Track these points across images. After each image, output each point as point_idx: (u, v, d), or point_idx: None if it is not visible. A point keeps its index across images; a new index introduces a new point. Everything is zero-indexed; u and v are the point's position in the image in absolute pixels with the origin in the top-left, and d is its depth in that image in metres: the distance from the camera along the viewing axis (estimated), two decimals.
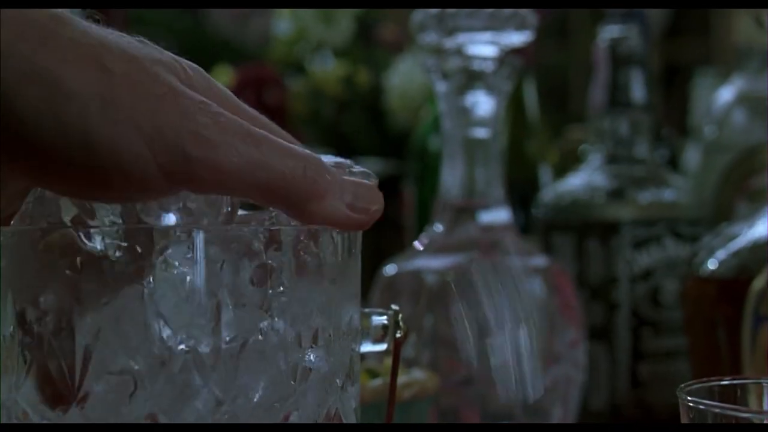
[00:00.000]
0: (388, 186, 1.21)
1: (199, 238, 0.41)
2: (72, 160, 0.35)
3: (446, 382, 0.70)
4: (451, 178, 0.75)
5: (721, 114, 0.95)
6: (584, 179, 0.85)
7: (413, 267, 0.74)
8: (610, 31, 0.87)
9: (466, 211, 0.75)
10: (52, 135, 0.35)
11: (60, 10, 0.36)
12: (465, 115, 0.75)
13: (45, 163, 0.35)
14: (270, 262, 0.42)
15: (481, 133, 0.75)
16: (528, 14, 0.73)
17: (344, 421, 0.44)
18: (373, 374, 0.63)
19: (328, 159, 0.43)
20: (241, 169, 0.37)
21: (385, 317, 0.47)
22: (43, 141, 0.35)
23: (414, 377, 0.63)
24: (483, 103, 0.74)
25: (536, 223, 0.88)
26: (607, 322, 0.81)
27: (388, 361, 0.58)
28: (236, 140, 0.37)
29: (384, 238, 1.27)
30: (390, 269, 0.76)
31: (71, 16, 0.36)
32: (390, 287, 0.75)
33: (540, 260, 0.75)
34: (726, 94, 0.96)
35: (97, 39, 0.36)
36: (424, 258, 0.75)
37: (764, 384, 0.45)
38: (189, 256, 0.40)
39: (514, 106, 1.00)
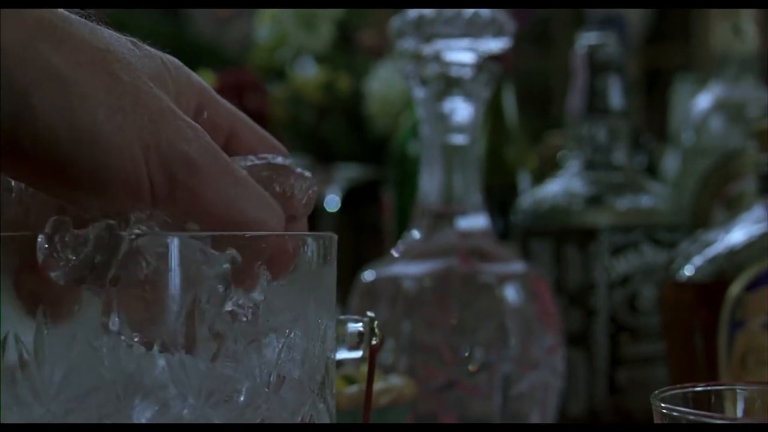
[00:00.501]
0: (368, 191, 1.21)
1: (174, 245, 0.41)
2: (77, 158, 0.36)
3: (424, 388, 0.70)
4: (429, 184, 0.75)
5: (699, 120, 0.96)
6: (562, 185, 0.85)
7: (391, 273, 0.74)
8: (588, 38, 0.87)
9: (444, 217, 0.75)
10: (62, 132, 0.36)
11: (66, 10, 0.37)
12: (443, 122, 0.75)
13: (49, 160, 0.37)
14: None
15: (459, 139, 0.75)
16: (506, 21, 0.74)
17: None
18: (350, 381, 0.63)
19: (274, 159, 0.44)
20: (218, 204, 0.39)
21: (360, 324, 0.47)
22: (52, 137, 0.36)
23: (391, 383, 0.63)
24: (461, 110, 0.75)
25: (515, 229, 0.88)
26: (586, 328, 0.82)
27: (365, 368, 0.58)
28: (220, 175, 0.39)
29: (364, 243, 1.28)
30: (368, 275, 0.76)
31: (78, 18, 0.38)
32: (368, 293, 0.75)
33: (518, 266, 0.75)
34: (703, 100, 0.96)
35: (104, 44, 0.37)
36: (403, 264, 0.75)
37: (738, 390, 0.45)
38: (163, 263, 0.40)
39: (493, 112, 1.00)
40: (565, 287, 0.82)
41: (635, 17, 2.73)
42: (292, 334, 0.43)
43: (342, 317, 0.47)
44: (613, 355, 0.81)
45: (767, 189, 0.70)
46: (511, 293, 0.72)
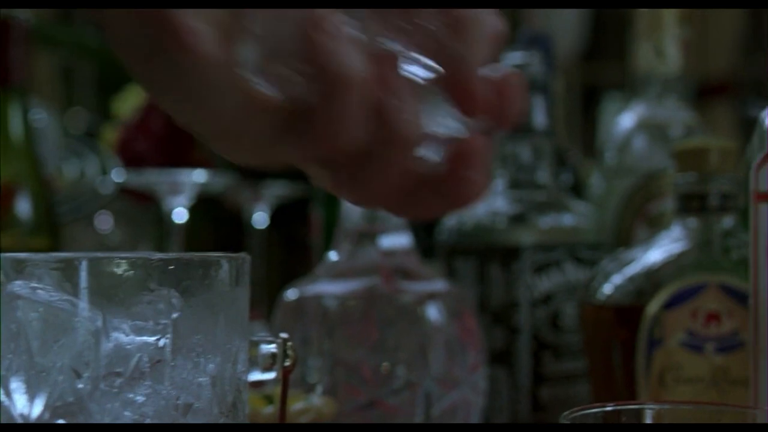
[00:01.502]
0: (297, 209, 1.21)
1: (83, 267, 0.41)
2: None
3: (346, 407, 0.70)
4: (351, 204, 0.75)
5: (622, 139, 0.97)
6: (487, 204, 0.86)
7: (314, 292, 0.74)
8: (512, 58, 0.88)
9: (367, 236, 0.75)
10: None
11: None
12: None
13: None
14: (157, 290, 0.41)
15: None
16: None
17: None
18: (269, 400, 0.63)
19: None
20: None
21: (273, 345, 0.47)
22: None
23: (311, 403, 0.63)
24: None
25: (439, 248, 0.88)
26: (509, 346, 0.82)
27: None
28: None
29: (293, 261, 1.27)
30: (291, 294, 0.75)
31: None
32: (291, 312, 0.74)
33: (440, 285, 0.75)
34: (627, 119, 0.97)
35: None
36: (325, 283, 0.75)
37: (647, 409, 0.45)
38: (73, 284, 0.40)
39: None
40: (488, 305, 0.83)
41: (573, 34, 2.76)
42: (202, 356, 0.43)
43: (255, 338, 0.47)
44: (536, 373, 0.82)
45: (685, 209, 0.71)
46: (433, 312, 0.72)
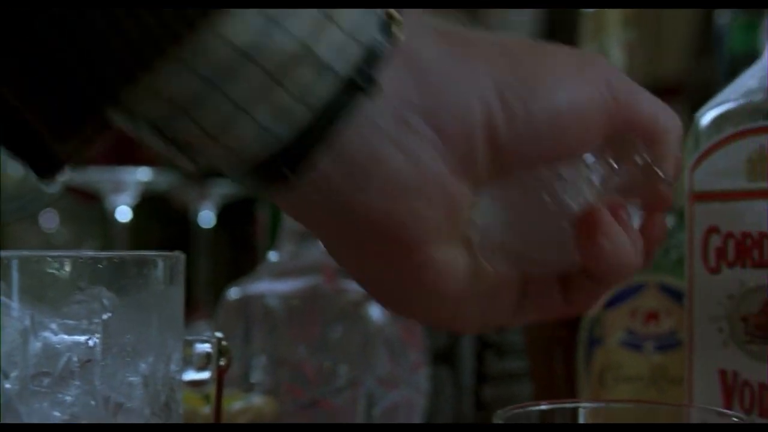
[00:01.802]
0: (244, 208, 1.21)
1: (14, 266, 0.40)
2: None
3: (288, 406, 0.70)
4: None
5: None
6: None
7: (256, 291, 0.74)
8: None
9: (309, 235, 0.75)
10: None
11: None
12: None
13: None
14: (88, 289, 0.41)
15: None
16: None
17: None
18: (209, 400, 0.63)
19: None
20: None
21: (208, 345, 0.47)
22: None
23: (250, 402, 0.63)
24: None
25: None
26: (452, 346, 0.82)
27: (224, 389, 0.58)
28: None
29: (240, 261, 1.27)
30: (234, 293, 0.75)
31: None
32: (234, 311, 0.74)
33: None
34: None
35: None
36: (268, 282, 0.75)
37: (580, 408, 0.45)
38: (5, 283, 0.40)
39: None
40: None
41: (526, 35, 2.77)
42: (135, 355, 0.42)
43: (189, 338, 0.47)
44: (479, 372, 0.82)
45: None
46: (375, 311, 0.72)
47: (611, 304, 0.68)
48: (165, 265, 0.44)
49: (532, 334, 0.75)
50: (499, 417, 0.43)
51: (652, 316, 0.68)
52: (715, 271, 0.54)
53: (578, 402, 0.47)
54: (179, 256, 0.46)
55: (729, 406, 0.53)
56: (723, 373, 0.53)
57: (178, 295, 0.46)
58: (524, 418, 0.44)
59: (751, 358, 0.52)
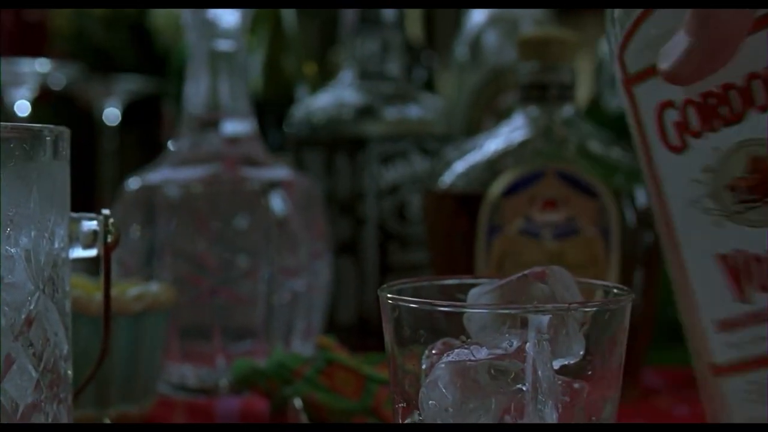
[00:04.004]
0: (149, 105, 1.19)
1: None
2: None
3: (188, 295, 0.70)
4: (194, 91, 0.74)
5: (473, 35, 0.97)
6: (334, 96, 0.85)
7: (156, 180, 0.73)
8: None
9: (210, 123, 0.74)
10: None
11: None
12: (209, 27, 0.73)
13: None
14: None
15: (225, 45, 0.74)
16: None
17: (49, 329, 0.43)
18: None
19: None
20: None
21: (95, 222, 0.46)
22: None
23: (147, 289, 0.62)
24: (227, 15, 0.73)
25: (289, 141, 0.88)
26: (355, 237, 0.82)
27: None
28: None
29: (147, 160, 1.25)
30: (133, 183, 0.74)
31: None
32: (133, 201, 0.73)
33: (283, 172, 0.75)
34: (477, 15, 0.97)
35: None
36: (168, 171, 0.74)
37: (463, 281, 0.46)
38: None
39: (272, 22, 0.99)
40: (335, 197, 0.83)
41: None
42: (15, 228, 0.42)
43: (75, 215, 0.46)
44: (383, 263, 0.83)
45: (527, 98, 0.72)
46: (276, 200, 0.72)
47: (510, 191, 0.69)
48: (48, 139, 0.44)
49: (432, 224, 0.75)
50: (384, 290, 0.44)
51: (550, 203, 0.69)
52: (679, 148, 0.48)
53: (461, 278, 0.47)
54: (64, 130, 0.45)
55: (742, 293, 0.47)
56: (723, 258, 0.47)
57: (62, 170, 0.45)
58: (408, 293, 0.44)
59: (753, 226, 0.46)
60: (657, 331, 0.76)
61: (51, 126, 0.44)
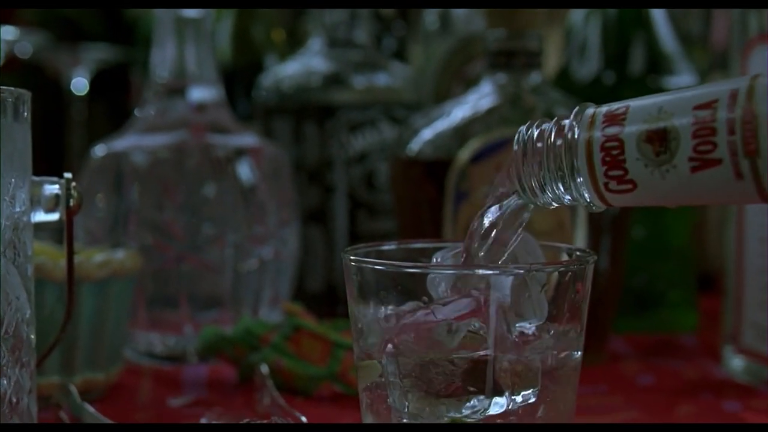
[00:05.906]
0: (117, 73, 1.18)
1: None
2: None
3: (155, 262, 0.70)
4: (161, 58, 0.74)
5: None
6: (303, 64, 0.85)
7: (122, 147, 0.73)
8: None
9: (176, 91, 0.74)
10: None
11: None
12: None
13: None
14: None
15: (191, 12, 0.73)
16: None
17: (10, 293, 0.43)
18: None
19: None
20: None
21: (57, 186, 0.46)
22: None
23: (112, 256, 0.62)
24: None
25: (257, 109, 0.87)
26: (324, 205, 0.82)
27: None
28: None
29: (114, 128, 1.25)
30: (100, 150, 0.74)
31: None
32: (99, 168, 0.73)
33: (251, 139, 0.74)
34: None
35: None
36: (134, 138, 0.73)
37: (426, 245, 0.46)
38: None
39: None
40: (303, 164, 0.82)
41: None
42: None
43: (36, 178, 0.46)
44: (351, 231, 0.82)
45: (494, 65, 0.72)
46: (243, 168, 0.72)
47: (477, 158, 0.69)
48: (10, 101, 0.43)
49: (399, 192, 0.75)
50: (347, 253, 0.44)
51: None
52: None
53: (425, 241, 0.47)
54: (24, 92, 0.45)
55: None
56: None
57: (23, 133, 0.45)
58: (373, 256, 0.45)
59: None
60: (624, 299, 0.76)
61: (11, 88, 0.43)
